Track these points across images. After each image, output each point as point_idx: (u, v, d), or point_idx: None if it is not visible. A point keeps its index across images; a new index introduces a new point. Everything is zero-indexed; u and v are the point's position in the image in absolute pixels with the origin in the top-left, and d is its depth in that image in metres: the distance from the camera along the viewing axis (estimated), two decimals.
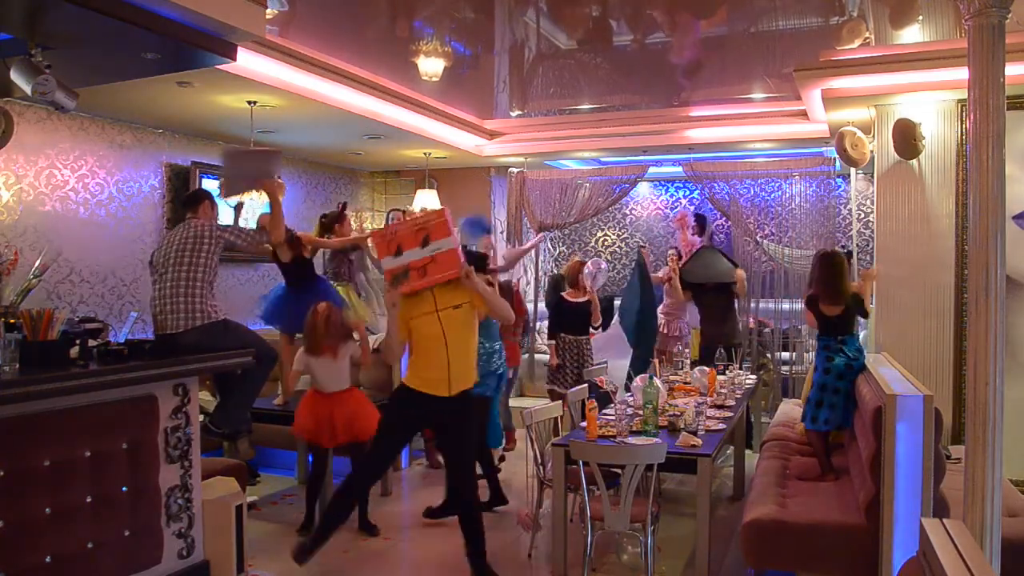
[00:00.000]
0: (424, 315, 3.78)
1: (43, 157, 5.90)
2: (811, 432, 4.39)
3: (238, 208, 5.23)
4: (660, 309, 7.53)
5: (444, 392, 3.80)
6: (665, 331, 7.52)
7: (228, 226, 4.42)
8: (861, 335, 5.93)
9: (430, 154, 8.45)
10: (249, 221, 5.61)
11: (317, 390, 4.91)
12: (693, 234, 8.27)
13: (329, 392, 4.87)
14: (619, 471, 3.80)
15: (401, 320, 3.82)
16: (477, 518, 3.93)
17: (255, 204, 6.02)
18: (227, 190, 4.77)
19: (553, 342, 6.52)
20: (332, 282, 6.43)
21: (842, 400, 4.24)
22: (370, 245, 6.65)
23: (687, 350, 6.93)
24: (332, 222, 6.58)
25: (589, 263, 6.77)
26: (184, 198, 4.85)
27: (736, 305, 7.40)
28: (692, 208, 9.70)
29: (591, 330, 6.63)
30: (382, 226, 3.82)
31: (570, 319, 6.48)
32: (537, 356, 8.44)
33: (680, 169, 8.54)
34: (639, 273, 7.21)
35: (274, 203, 4.48)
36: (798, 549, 3.53)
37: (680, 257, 7.70)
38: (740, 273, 7.31)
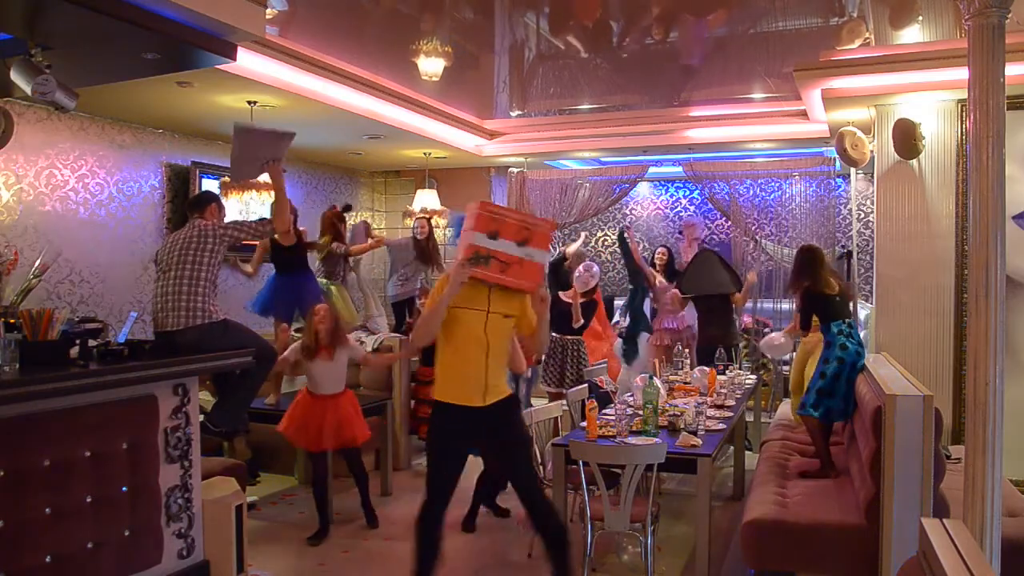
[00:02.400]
0: (473, 310, 3.51)
1: (43, 157, 5.90)
2: (810, 420, 4.23)
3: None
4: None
5: (479, 402, 3.50)
6: (672, 325, 7.53)
7: (231, 223, 4.40)
8: (862, 334, 5.91)
9: (430, 154, 8.46)
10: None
11: (311, 392, 4.87)
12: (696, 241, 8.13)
13: (323, 394, 4.83)
14: (619, 471, 3.79)
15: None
16: (565, 542, 3.45)
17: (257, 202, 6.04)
18: (236, 172, 4.62)
19: None
20: (324, 280, 6.46)
21: (850, 391, 4.20)
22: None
23: (692, 343, 6.93)
24: (337, 220, 6.60)
25: (581, 267, 6.59)
26: (191, 200, 4.80)
27: (734, 308, 7.16)
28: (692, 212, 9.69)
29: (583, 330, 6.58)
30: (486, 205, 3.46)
31: (556, 318, 6.42)
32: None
33: (680, 169, 8.53)
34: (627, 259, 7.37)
35: (278, 190, 4.36)
36: (798, 549, 3.53)
37: (670, 261, 7.52)
38: (745, 287, 6.96)
